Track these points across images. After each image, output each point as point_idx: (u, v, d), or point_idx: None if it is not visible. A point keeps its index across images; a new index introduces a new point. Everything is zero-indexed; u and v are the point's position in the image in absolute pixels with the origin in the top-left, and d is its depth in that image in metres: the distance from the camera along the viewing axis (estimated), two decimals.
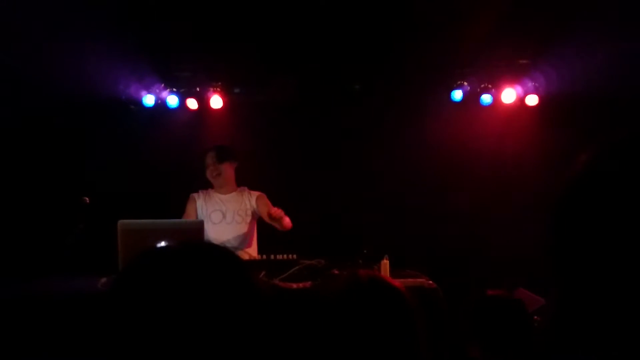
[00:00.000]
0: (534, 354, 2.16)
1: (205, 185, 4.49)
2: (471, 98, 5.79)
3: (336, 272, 3.60)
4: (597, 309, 0.74)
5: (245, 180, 4.64)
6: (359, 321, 1.47)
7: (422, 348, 1.48)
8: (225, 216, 4.26)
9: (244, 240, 4.27)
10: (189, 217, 4.30)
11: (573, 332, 0.76)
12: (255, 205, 4.34)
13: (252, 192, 4.43)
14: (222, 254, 1.00)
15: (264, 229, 4.53)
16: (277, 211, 3.96)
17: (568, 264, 0.78)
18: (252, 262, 3.66)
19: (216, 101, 5.80)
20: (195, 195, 4.40)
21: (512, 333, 2.30)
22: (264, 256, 3.77)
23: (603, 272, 0.74)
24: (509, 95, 5.68)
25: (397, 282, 1.57)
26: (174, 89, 5.85)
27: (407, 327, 1.48)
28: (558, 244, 0.80)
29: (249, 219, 4.32)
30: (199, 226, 3.56)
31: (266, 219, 4.21)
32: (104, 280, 3.44)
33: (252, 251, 4.24)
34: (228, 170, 4.36)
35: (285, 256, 3.73)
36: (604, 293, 0.74)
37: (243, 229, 4.28)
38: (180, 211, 4.47)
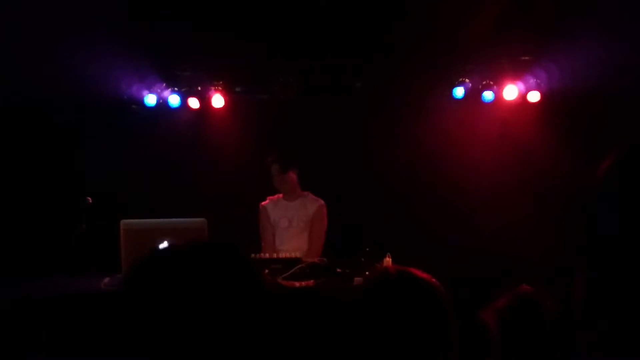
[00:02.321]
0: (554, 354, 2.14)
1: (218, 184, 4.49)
2: (473, 95, 5.77)
3: (339, 270, 3.60)
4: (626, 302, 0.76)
5: (248, 180, 4.65)
6: (388, 314, 1.46)
7: (452, 340, 1.47)
8: (291, 222, 4.47)
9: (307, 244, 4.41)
10: (263, 227, 4.52)
11: (601, 321, 0.78)
12: (311, 214, 4.52)
13: (315, 199, 4.61)
14: (230, 252, 1.00)
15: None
16: None
17: (599, 256, 0.80)
18: (254, 260, 3.66)
19: (218, 100, 5.80)
20: (265, 204, 4.59)
21: (539, 341, 2.26)
22: (267, 255, 3.77)
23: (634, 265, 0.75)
24: (510, 91, 5.67)
25: (427, 275, 1.55)
26: (176, 88, 5.85)
27: (438, 319, 1.47)
28: (591, 239, 0.82)
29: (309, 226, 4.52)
30: (202, 225, 3.55)
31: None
32: (107, 279, 3.45)
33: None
34: (292, 177, 4.54)
35: (288, 255, 3.73)
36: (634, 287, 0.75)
37: (307, 233, 4.46)
38: (181, 211, 4.47)
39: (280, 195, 4.61)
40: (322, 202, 4.58)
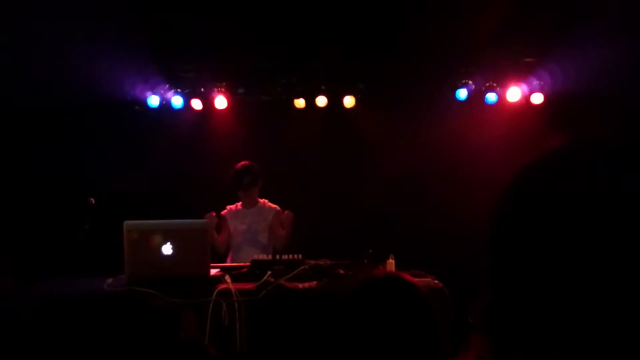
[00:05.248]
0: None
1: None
2: (476, 97, 5.77)
3: (342, 272, 3.59)
4: (529, 310, 0.76)
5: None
6: (375, 318, 1.47)
7: (440, 344, 1.47)
8: (249, 227, 4.64)
9: (265, 249, 4.56)
10: (221, 234, 4.65)
11: (506, 330, 0.79)
12: (269, 220, 4.66)
13: (271, 205, 4.73)
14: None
15: None
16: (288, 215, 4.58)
17: (504, 266, 0.81)
18: (258, 262, 3.65)
19: (221, 101, 5.81)
20: (224, 214, 4.72)
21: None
22: (270, 256, 3.77)
23: (537, 275, 0.76)
24: (514, 93, 5.67)
25: (414, 279, 1.55)
26: (179, 90, 5.86)
27: (425, 324, 1.47)
28: (495, 247, 0.83)
29: (266, 232, 4.65)
30: (205, 226, 3.55)
31: (272, 235, 4.64)
32: (109, 280, 3.44)
33: None
34: (254, 190, 4.68)
35: (290, 256, 3.73)
36: (537, 295, 0.75)
37: (264, 239, 4.63)
38: (184, 212, 4.46)
39: (240, 203, 4.72)
40: (278, 208, 4.71)
